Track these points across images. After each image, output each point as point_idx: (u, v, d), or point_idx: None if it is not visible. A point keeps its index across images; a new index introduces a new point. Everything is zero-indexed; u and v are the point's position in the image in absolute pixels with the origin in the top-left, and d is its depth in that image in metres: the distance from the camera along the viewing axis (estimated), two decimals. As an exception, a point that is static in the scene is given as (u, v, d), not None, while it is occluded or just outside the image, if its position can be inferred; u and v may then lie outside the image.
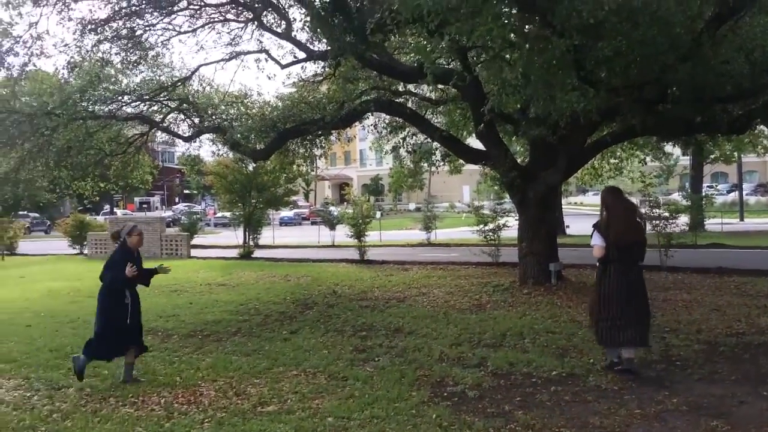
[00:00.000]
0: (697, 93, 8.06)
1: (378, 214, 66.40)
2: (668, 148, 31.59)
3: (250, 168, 20.49)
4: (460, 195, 64.35)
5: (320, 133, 13.18)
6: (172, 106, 14.70)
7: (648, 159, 22.93)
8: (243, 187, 21.28)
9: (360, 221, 18.70)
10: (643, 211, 14.93)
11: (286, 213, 65.40)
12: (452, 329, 8.67)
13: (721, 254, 17.51)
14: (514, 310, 9.94)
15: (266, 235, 35.16)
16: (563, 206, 33.65)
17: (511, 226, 16.93)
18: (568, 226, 31.68)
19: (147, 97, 14.18)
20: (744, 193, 42.61)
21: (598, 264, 6.36)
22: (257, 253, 22.72)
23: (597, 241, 6.19)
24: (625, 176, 37.49)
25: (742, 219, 37.10)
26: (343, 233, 22.11)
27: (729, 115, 9.01)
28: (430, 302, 11.12)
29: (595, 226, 6.27)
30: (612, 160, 31.55)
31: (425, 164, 14.92)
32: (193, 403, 5.92)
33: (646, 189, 14.87)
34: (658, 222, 14.41)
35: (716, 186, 54.85)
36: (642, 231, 6.33)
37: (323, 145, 14.21)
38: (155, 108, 14.99)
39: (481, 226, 16.40)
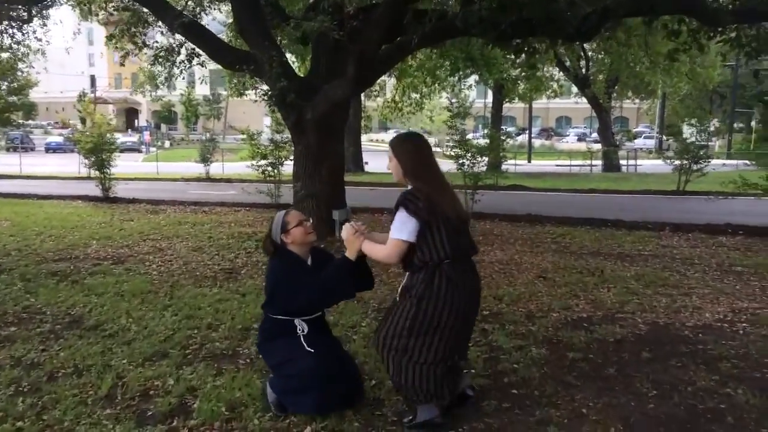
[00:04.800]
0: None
1: (167, 144, 60.30)
2: (466, 87, 30.32)
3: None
4: (261, 125, 59.69)
5: None
6: None
7: (444, 96, 20.78)
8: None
9: (99, 147, 14.28)
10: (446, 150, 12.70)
11: (54, 138, 56.18)
12: (168, 319, 5.38)
13: (523, 197, 16.08)
14: (276, 280, 6.87)
15: (11, 162, 28.95)
16: (363, 143, 31.42)
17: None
18: (366, 163, 29.48)
19: None
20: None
21: (410, 271, 3.31)
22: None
23: (406, 230, 3.15)
24: (425, 112, 36.17)
25: (530, 161, 37.98)
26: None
27: (577, 10, 6.53)
28: (162, 265, 7.68)
29: (406, 202, 3.17)
30: (413, 95, 29.81)
31: (163, 69, 10.73)
32: None
33: (453, 121, 12.49)
34: (464, 161, 12.20)
35: (506, 129, 56.71)
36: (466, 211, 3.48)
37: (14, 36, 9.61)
38: None
39: (257, 159, 13.05)
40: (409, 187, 3.24)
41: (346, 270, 3.48)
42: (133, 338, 4.90)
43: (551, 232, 10.01)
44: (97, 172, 14.63)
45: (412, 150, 3.33)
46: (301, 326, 3.56)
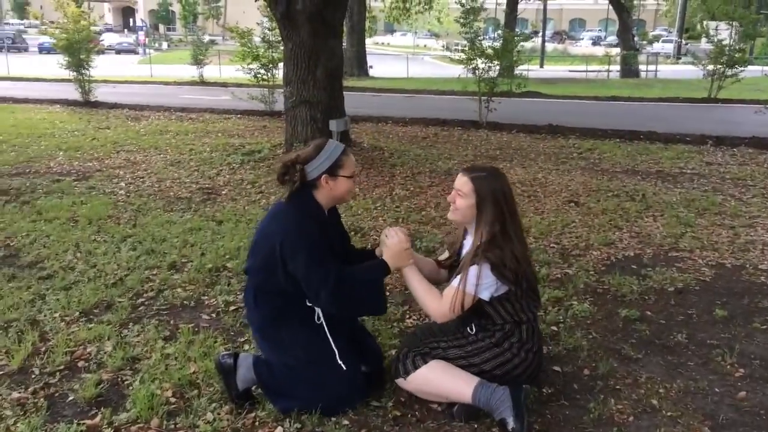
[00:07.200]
0: None
1: (164, 45, 58.13)
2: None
3: None
4: (260, 27, 56.77)
5: None
6: None
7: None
8: None
9: (75, 46, 12.92)
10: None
11: (48, 38, 53.73)
12: (124, 254, 4.40)
13: (540, 105, 14.80)
14: (261, 203, 5.87)
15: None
16: (366, 45, 29.55)
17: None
18: (371, 67, 27.81)
19: None
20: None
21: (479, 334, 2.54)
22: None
23: (487, 292, 2.43)
24: (434, 14, 33.90)
25: (542, 66, 36.02)
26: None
27: None
28: (131, 182, 6.67)
29: (491, 260, 2.38)
30: (421, -8, 27.75)
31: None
32: None
33: (465, 19, 11.07)
34: (478, 65, 10.90)
35: (520, 31, 53.82)
36: None
37: None
38: None
39: (248, 61, 11.74)
40: (484, 238, 2.43)
41: (382, 281, 2.53)
42: (75, 281, 3.95)
43: (576, 145, 8.89)
44: (74, 74, 13.32)
45: (507, 193, 2.47)
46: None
